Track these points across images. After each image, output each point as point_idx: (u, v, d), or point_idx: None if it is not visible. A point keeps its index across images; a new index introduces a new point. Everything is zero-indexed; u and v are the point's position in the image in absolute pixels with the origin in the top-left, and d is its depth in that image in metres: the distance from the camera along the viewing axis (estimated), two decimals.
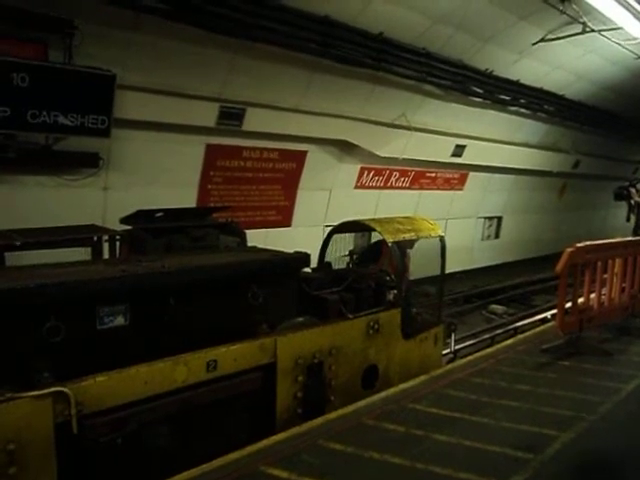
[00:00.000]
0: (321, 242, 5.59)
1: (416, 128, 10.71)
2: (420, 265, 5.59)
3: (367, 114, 9.79)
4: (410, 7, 8.29)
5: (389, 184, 11.80)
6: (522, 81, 11.83)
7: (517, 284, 14.20)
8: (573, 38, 10.25)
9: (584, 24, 9.55)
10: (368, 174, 11.22)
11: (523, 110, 12.65)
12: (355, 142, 10.01)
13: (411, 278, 5.38)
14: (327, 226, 9.14)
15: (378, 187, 11.60)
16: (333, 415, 3.99)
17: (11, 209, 6.32)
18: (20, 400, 2.79)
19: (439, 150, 11.86)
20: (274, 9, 7.12)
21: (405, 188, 12.23)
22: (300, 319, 4.33)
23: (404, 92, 9.93)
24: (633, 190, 7.26)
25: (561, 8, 9.09)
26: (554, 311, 6.51)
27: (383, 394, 4.38)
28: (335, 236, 5.57)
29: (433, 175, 12.76)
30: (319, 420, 3.89)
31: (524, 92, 12.11)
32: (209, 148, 8.35)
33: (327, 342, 4.24)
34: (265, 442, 3.54)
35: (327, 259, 5.48)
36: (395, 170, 11.68)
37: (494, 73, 11.04)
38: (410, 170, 12.02)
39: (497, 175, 14.35)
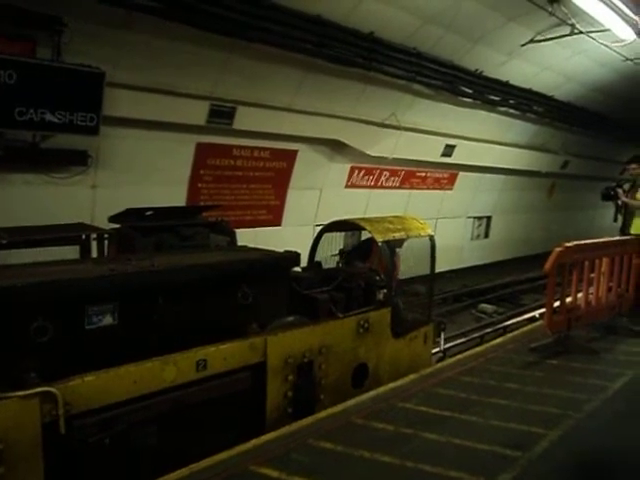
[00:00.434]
0: (311, 241, 5.59)
1: (406, 128, 10.74)
2: (410, 265, 5.61)
3: (358, 114, 9.81)
4: (401, 7, 8.31)
5: (379, 184, 11.83)
6: (511, 82, 11.91)
7: (506, 283, 14.30)
8: (562, 40, 10.33)
9: (572, 26, 9.64)
10: (358, 173, 11.24)
11: (512, 111, 12.74)
12: (346, 141, 10.03)
13: (401, 277, 5.39)
14: (317, 225, 9.13)
15: (368, 186, 11.63)
16: (323, 414, 3.99)
17: None
18: (7, 400, 2.76)
19: (429, 150, 11.91)
20: (267, 8, 7.10)
21: (395, 188, 12.27)
22: (290, 318, 4.32)
23: (394, 92, 9.96)
24: (620, 190, 7.32)
25: (550, 10, 9.16)
26: (542, 310, 6.57)
27: (373, 393, 4.39)
28: (325, 235, 5.57)
29: (423, 175, 12.81)
30: (309, 419, 3.89)
31: (513, 93, 12.19)
32: (199, 147, 8.32)
33: (317, 341, 4.24)
34: (255, 441, 3.53)
35: (317, 258, 5.48)
36: (385, 170, 11.71)
37: (484, 74, 11.11)
38: (400, 170, 12.05)
39: (487, 175, 14.44)
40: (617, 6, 8.34)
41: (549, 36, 10.30)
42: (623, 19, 8.80)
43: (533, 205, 17.34)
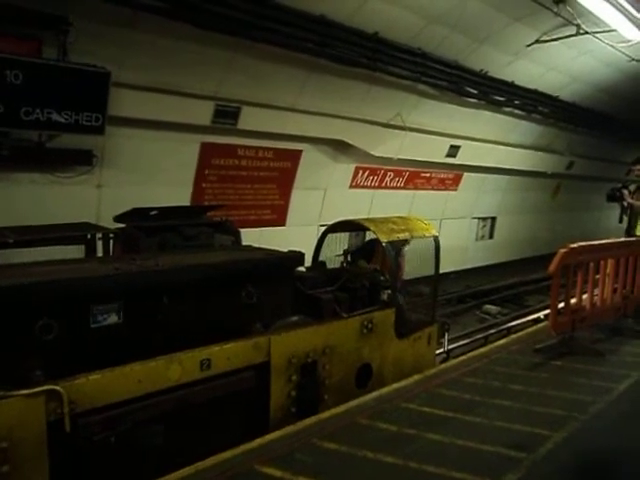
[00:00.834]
0: (315, 241, 5.59)
1: (411, 128, 10.72)
2: (414, 265, 5.60)
3: (363, 114, 9.80)
4: (405, 7, 8.30)
5: (384, 184, 11.82)
6: (517, 82, 11.86)
7: (511, 284, 14.25)
8: (567, 40, 10.30)
9: (578, 26, 9.60)
10: (363, 174, 11.23)
11: (518, 111, 12.69)
12: (350, 142, 10.02)
13: (406, 278, 5.39)
14: (321, 225, 9.13)
15: (373, 187, 11.62)
16: (327, 414, 3.99)
17: (4, 207, 6.27)
18: (12, 398, 2.77)
19: (434, 150, 11.89)
20: (272, 8, 7.11)
21: (399, 188, 12.25)
22: (294, 318, 4.32)
23: (399, 92, 9.95)
24: (625, 192, 7.30)
25: (555, 10, 9.13)
26: (547, 311, 6.54)
27: (376, 393, 4.39)
28: (329, 235, 5.57)
29: (427, 175, 12.78)
30: (313, 419, 3.89)
31: (519, 93, 12.14)
32: (204, 146, 8.33)
33: (321, 341, 4.25)
34: (259, 441, 3.54)
35: (321, 258, 5.48)
36: (390, 170, 11.69)
37: (489, 74, 11.07)
38: (405, 170, 12.04)
39: (491, 176, 14.39)
40: (623, 6, 8.30)
41: (555, 36, 10.27)
42: (629, 19, 8.77)
43: (538, 206, 17.28)
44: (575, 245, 5.38)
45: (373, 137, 10.29)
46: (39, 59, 5.89)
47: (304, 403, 4.11)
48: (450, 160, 12.43)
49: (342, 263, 5.47)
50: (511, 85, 11.80)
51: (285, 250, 4.59)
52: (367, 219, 5.54)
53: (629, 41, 9.96)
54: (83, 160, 6.90)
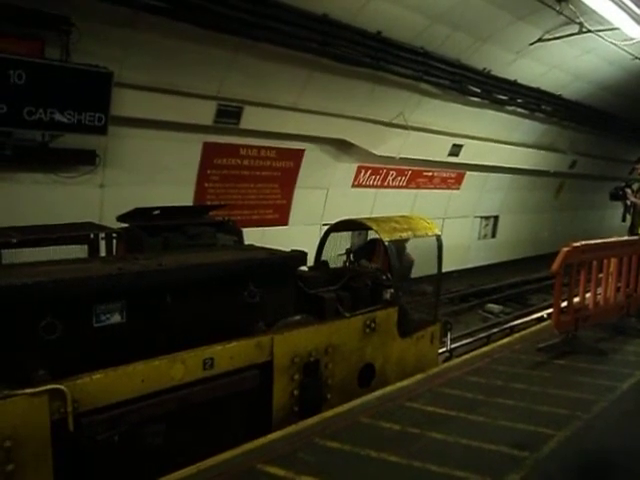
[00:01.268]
0: (318, 241, 5.59)
1: (413, 127, 10.71)
2: (417, 264, 5.60)
3: (365, 113, 9.79)
4: (408, 6, 8.29)
5: (386, 183, 11.81)
6: (519, 81, 11.84)
7: (513, 283, 14.22)
8: (570, 38, 10.26)
9: (581, 24, 9.56)
10: (365, 173, 11.22)
11: (520, 110, 12.67)
12: (353, 141, 10.02)
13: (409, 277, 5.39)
14: (324, 225, 9.09)
15: (375, 186, 11.61)
16: (329, 413, 3.99)
17: (7, 206, 6.30)
18: (16, 398, 2.78)
19: (436, 149, 11.88)
20: (273, 7, 7.11)
21: (402, 187, 12.24)
22: (297, 317, 4.33)
23: (402, 91, 9.94)
24: (629, 190, 7.29)
25: (558, 8, 9.10)
26: (550, 310, 6.54)
27: (379, 392, 4.39)
28: (332, 235, 5.57)
29: (430, 174, 12.77)
30: (315, 418, 3.90)
31: (521, 92, 12.12)
32: (206, 146, 8.34)
33: (324, 340, 4.25)
34: (262, 440, 3.54)
35: (324, 258, 5.48)
36: (392, 169, 11.69)
37: (491, 73, 11.06)
38: (407, 169, 12.03)
39: (494, 174, 14.37)
40: (626, 4, 8.27)
41: (557, 35, 10.24)
42: (632, 17, 8.73)
43: (541, 205, 17.24)
44: (578, 244, 5.37)
45: (375, 136, 10.29)
46: (42, 59, 5.91)
47: (307, 402, 4.11)
48: (452, 159, 12.42)
49: (345, 262, 5.47)
50: (514, 84, 11.78)
51: (288, 249, 4.59)
52: (369, 218, 5.54)
53: (632, 39, 9.92)
54: (86, 160, 6.92)
